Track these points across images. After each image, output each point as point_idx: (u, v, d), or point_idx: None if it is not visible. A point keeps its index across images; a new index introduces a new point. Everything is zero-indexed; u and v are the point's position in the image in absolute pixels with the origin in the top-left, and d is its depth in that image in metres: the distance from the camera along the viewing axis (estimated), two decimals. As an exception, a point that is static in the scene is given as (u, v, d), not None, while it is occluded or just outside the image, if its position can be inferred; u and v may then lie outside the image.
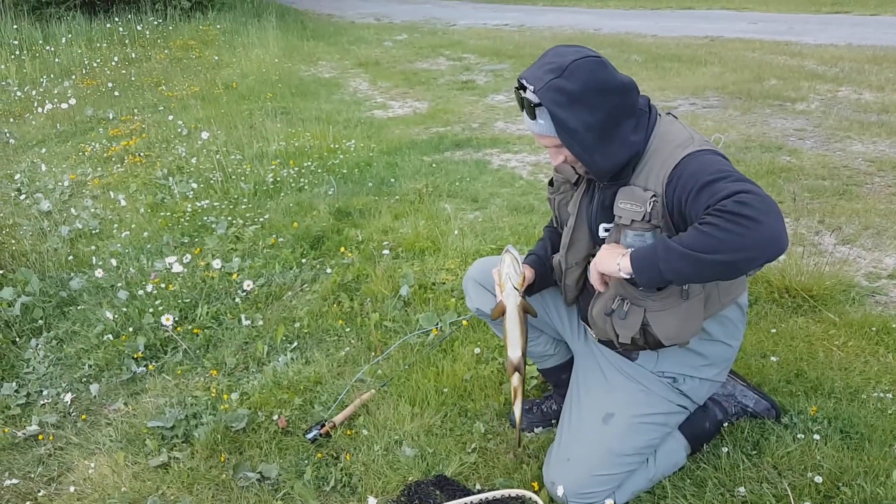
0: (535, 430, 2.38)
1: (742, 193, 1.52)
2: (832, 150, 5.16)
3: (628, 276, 1.68)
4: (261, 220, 4.31)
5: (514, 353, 1.91)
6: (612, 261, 1.72)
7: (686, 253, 1.54)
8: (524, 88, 1.77)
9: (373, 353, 2.89)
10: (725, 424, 2.24)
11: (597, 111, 1.71)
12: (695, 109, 6.61)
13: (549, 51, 1.80)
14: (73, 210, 4.76)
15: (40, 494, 2.26)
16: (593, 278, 1.83)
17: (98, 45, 11.84)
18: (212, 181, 5.03)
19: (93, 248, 4.15)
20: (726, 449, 2.16)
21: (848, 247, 3.54)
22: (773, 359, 2.62)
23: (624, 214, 1.77)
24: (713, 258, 1.51)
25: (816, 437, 2.18)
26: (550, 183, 2.13)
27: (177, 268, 3.42)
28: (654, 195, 1.72)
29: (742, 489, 2.02)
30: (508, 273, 1.87)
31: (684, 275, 1.60)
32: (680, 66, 8.52)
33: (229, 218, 4.35)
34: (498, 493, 2.04)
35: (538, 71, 1.75)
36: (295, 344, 3.01)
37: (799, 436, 2.20)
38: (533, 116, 1.77)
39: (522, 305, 1.91)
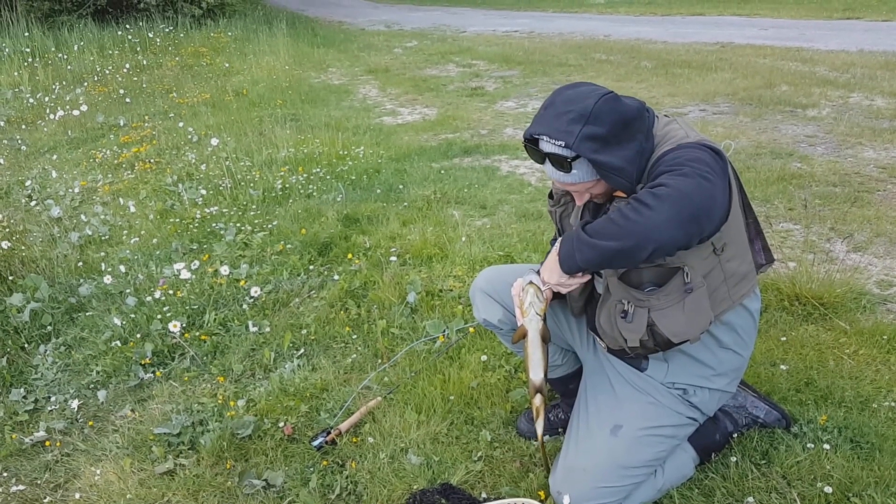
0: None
1: (661, 187, 1.52)
2: (843, 156, 5.12)
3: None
4: (269, 226, 4.32)
5: (536, 375, 1.92)
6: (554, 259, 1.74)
7: (590, 242, 1.58)
8: (536, 142, 1.74)
9: (379, 361, 2.88)
10: (735, 435, 2.22)
11: (628, 144, 1.70)
12: (705, 115, 6.58)
13: (556, 98, 1.74)
14: (83, 216, 4.78)
15: (46, 501, 2.26)
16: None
17: (110, 52, 11.94)
18: (221, 188, 5.05)
19: (102, 254, 4.17)
20: (735, 458, 2.14)
21: (859, 254, 3.51)
22: (782, 367, 2.59)
23: None
24: (607, 245, 1.54)
25: (826, 446, 2.15)
26: (550, 195, 2.12)
27: (185, 274, 3.43)
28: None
29: (751, 499, 2.00)
30: (532, 301, 1.87)
31: (593, 264, 1.63)
32: (690, 73, 8.50)
33: (238, 224, 4.37)
34: (504, 503, 2.03)
35: (558, 123, 1.69)
36: (302, 351, 3.01)
37: (809, 445, 2.17)
38: (568, 169, 1.72)
39: (542, 330, 1.92)
